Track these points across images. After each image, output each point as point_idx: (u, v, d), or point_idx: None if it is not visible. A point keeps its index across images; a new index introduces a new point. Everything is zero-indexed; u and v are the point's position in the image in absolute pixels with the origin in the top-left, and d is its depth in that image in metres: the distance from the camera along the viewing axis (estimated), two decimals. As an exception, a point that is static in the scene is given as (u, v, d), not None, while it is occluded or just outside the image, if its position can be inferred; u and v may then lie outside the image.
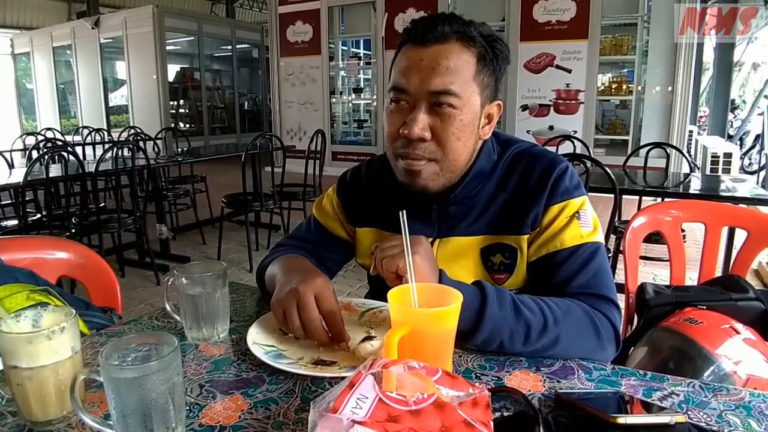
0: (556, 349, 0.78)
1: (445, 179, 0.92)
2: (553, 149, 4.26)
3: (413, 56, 0.87)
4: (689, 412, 0.63)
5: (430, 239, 0.97)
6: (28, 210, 3.38)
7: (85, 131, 6.65)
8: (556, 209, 0.91)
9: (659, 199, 2.85)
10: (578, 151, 3.81)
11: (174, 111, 10.36)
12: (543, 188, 0.92)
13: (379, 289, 1.01)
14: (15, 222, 3.40)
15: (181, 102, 10.75)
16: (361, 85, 8.61)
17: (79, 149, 5.13)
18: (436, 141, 0.87)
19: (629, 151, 5.00)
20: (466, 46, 0.86)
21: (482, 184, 0.95)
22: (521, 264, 0.94)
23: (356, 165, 1.13)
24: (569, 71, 6.21)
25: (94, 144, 6.26)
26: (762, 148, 7.40)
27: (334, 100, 8.32)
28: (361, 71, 8.76)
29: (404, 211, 0.72)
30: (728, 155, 5.58)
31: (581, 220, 0.90)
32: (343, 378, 0.53)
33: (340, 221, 1.10)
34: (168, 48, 9.60)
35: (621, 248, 1.92)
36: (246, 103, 11.97)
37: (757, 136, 8.13)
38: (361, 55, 8.94)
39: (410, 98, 0.87)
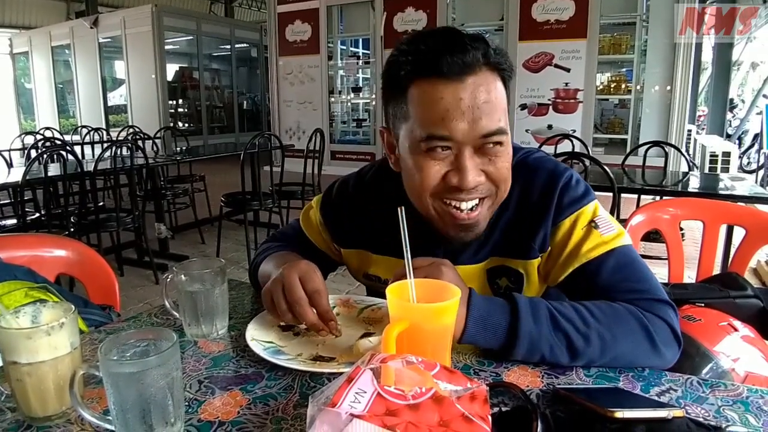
0: (606, 357, 0.73)
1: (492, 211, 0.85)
2: (551, 148, 4.21)
3: (449, 96, 0.74)
4: (687, 408, 0.63)
5: None
6: (26, 209, 3.38)
7: (84, 130, 6.66)
8: (568, 223, 0.84)
9: (658, 198, 2.85)
10: (577, 150, 3.81)
11: (173, 110, 10.35)
12: (548, 206, 0.84)
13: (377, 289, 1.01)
14: (14, 221, 3.39)
15: (180, 101, 10.74)
16: (360, 85, 8.60)
17: (77, 148, 5.12)
18: (490, 181, 0.79)
19: (628, 150, 5.00)
20: (494, 70, 0.77)
21: None
22: (528, 290, 0.89)
23: (345, 176, 1.04)
24: (568, 70, 6.22)
25: (92, 143, 6.28)
26: (761, 147, 7.40)
27: (332, 99, 8.32)
28: (360, 70, 8.74)
29: (402, 208, 0.70)
30: (727, 154, 5.57)
31: (600, 228, 0.83)
32: (341, 373, 0.53)
33: (324, 239, 1.05)
34: (167, 47, 9.60)
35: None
36: (245, 102, 11.96)
37: (756, 135, 8.13)
38: (360, 54, 8.92)
39: (455, 144, 0.76)
